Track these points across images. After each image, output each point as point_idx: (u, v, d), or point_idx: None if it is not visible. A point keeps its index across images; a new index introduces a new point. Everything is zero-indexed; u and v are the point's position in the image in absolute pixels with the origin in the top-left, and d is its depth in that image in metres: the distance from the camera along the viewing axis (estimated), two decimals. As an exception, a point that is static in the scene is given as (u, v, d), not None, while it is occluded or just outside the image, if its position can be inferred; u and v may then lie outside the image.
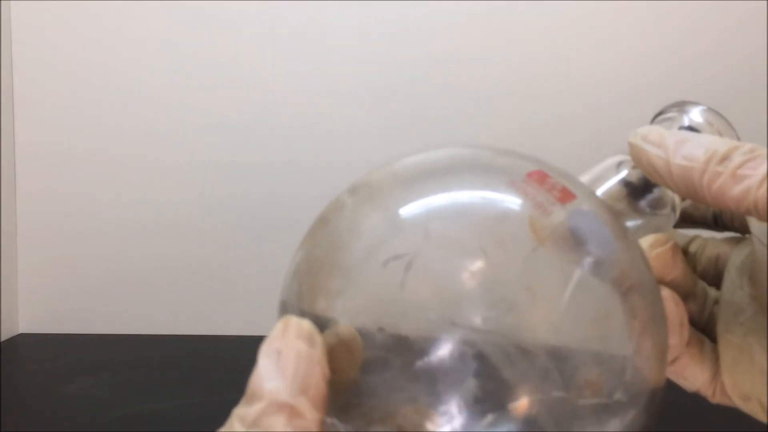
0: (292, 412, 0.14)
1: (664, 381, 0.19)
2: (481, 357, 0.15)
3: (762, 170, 0.17)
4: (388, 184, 0.19)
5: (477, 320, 0.16)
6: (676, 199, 0.22)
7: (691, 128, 0.22)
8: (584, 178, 0.22)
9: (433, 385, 0.15)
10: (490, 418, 0.15)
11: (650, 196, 0.22)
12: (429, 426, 0.15)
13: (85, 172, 0.69)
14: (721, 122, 0.22)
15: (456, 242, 0.17)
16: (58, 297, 0.71)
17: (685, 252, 0.25)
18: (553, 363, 0.16)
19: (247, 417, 0.15)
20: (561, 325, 0.16)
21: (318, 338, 0.15)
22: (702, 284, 0.24)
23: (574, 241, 0.17)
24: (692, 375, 0.23)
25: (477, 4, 0.67)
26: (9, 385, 0.55)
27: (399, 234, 0.17)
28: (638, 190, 0.22)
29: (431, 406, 0.15)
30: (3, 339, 0.68)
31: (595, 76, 0.67)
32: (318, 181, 0.68)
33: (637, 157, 0.20)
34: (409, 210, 0.18)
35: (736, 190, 0.18)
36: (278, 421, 0.14)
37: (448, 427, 0.15)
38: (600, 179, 0.22)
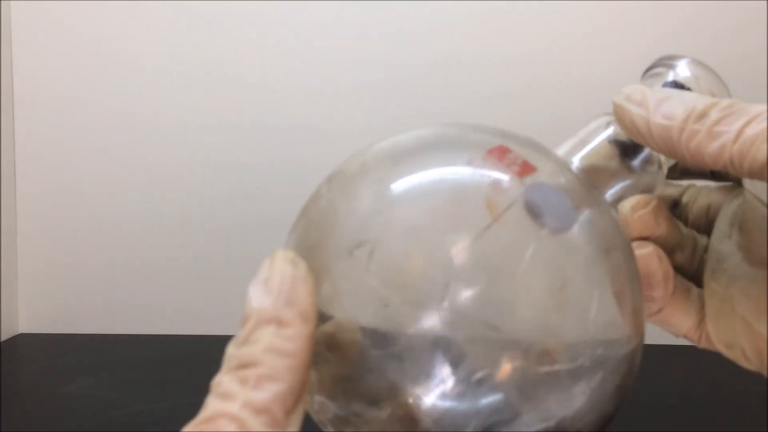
0: (279, 323, 0.15)
1: (639, 342, 0.19)
2: (442, 333, 0.16)
3: (737, 126, 0.17)
4: (357, 172, 0.20)
5: (434, 300, 0.16)
6: (662, 156, 0.22)
7: (676, 83, 0.22)
8: (574, 139, 0.22)
9: (399, 362, 0.16)
10: (456, 389, 0.16)
11: (640, 155, 0.22)
12: (400, 399, 0.16)
13: (85, 172, 0.69)
14: (710, 76, 0.22)
15: (413, 227, 0.18)
16: (58, 297, 0.71)
17: (677, 202, 0.25)
18: (511, 334, 0.17)
19: (238, 338, 0.15)
20: (517, 297, 0.17)
21: (301, 262, 0.16)
22: (691, 234, 0.24)
23: (530, 214, 0.18)
24: (678, 322, 0.23)
25: (477, 4, 0.67)
26: (9, 385, 0.55)
27: (364, 221, 0.18)
28: (628, 148, 0.22)
29: (399, 380, 0.16)
30: (3, 339, 0.68)
31: (595, 76, 0.67)
32: (319, 181, 0.68)
33: (620, 117, 0.20)
34: (372, 198, 0.19)
35: (713, 147, 0.17)
36: (266, 333, 0.15)
37: (414, 399, 0.16)
38: (589, 139, 0.22)
